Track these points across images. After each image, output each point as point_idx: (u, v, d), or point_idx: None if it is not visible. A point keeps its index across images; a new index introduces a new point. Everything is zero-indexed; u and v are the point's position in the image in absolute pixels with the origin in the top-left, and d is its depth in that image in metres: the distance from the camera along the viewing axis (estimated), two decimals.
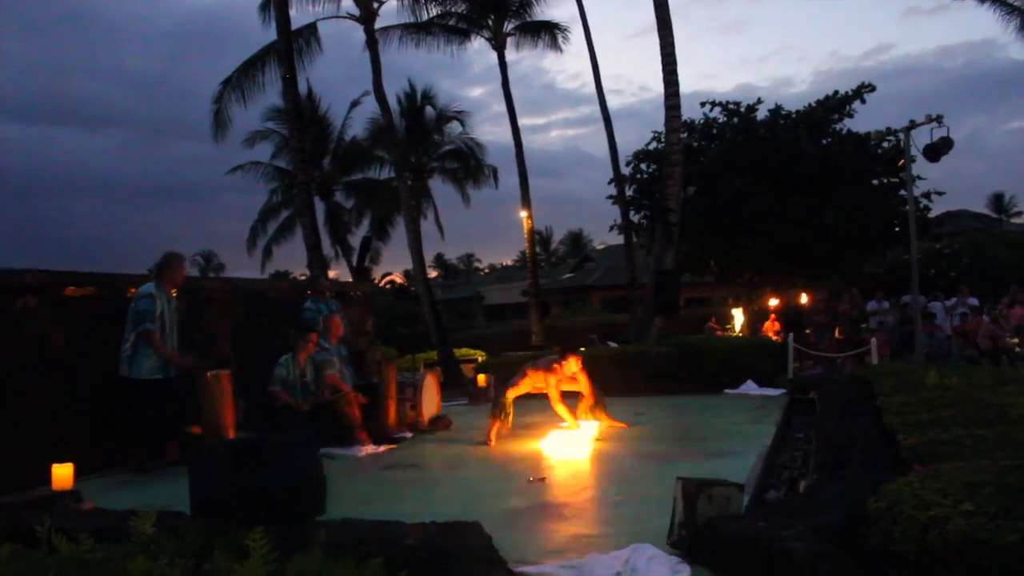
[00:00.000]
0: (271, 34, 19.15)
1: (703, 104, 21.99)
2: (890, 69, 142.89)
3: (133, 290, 7.36)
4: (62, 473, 5.39)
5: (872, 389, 7.79)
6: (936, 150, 11.62)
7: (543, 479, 6.02)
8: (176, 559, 3.01)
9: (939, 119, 11.48)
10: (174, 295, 7.43)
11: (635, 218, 23.02)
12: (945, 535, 2.87)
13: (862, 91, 20.58)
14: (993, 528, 2.79)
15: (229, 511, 3.44)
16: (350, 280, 25.32)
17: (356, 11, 19.81)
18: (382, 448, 7.93)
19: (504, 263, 79.40)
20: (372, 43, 19.56)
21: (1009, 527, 2.77)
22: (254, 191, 30.47)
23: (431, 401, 9.42)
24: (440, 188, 31.22)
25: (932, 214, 20.91)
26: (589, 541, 4.18)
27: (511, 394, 8.15)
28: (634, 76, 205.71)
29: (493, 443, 7.82)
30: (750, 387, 11.42)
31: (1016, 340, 13.15)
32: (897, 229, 20.02)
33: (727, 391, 11.35)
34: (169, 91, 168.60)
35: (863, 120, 22.86)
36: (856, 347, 13.18)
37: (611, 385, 9.26)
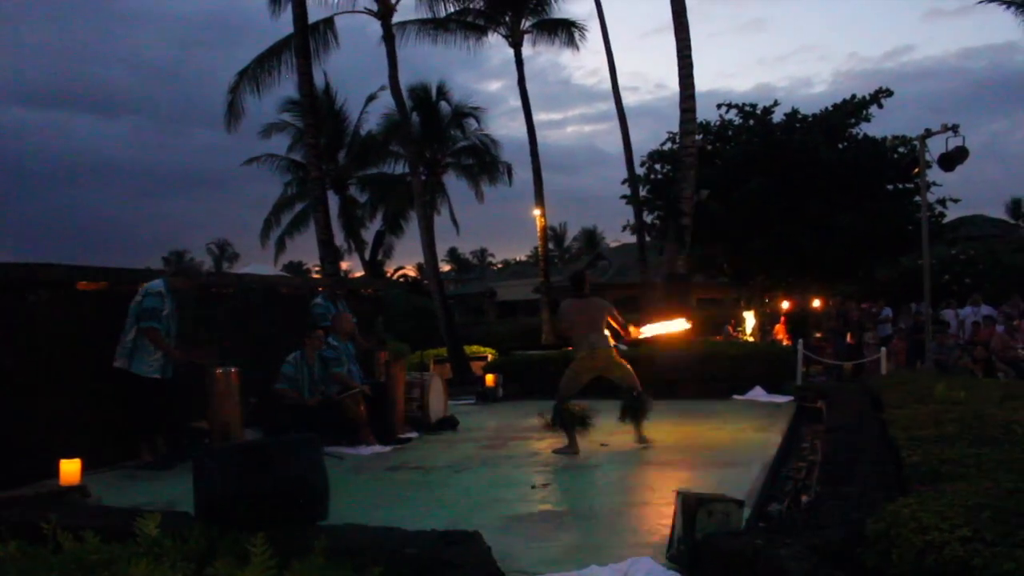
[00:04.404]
0: (282, 26, 19.17)
1: (719, 106, 21.90)
2: (911, 71, 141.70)
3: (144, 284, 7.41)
4: (69, 469, 5.46)
5: (880, 400, 7.77)
6: (951, 160, 11.57)
7: (546, 485, 6.04)
8: (178, 563, 3.04)
9: (955, 128, 11.42)
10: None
11: (648, 218, 22.97)
12: (941, 561, 2.86)
13: (879, 96, 20.43)
14: (989, 555, 2.78)
15: (233, 514, 3.49)
16: (362, 275, 25.38)
17: (373, 6, 19.80)
18: (388, 448, 7.98)
19: (518, 259, 79.36)
20: (389, 38, 19.51)
21: (1005, 554, 2.76)
22: (270, 180, 30.50)
23: (438, 401, 9.46)
24: (454, 183, 31.27)
25: (948, 219, 20.75)
26: (588, 551, 4.18)
27: (568, 401, 7.59)
28: (651, 73, 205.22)
29: (579, 450, 7.32)
30: (759, 393, 11.39)
31: None
32: (911, 229, 19.88)
33: (735, 397, 11.34)
34: (185, 78, 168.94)
35: (882, 120, 22.62)
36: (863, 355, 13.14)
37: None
